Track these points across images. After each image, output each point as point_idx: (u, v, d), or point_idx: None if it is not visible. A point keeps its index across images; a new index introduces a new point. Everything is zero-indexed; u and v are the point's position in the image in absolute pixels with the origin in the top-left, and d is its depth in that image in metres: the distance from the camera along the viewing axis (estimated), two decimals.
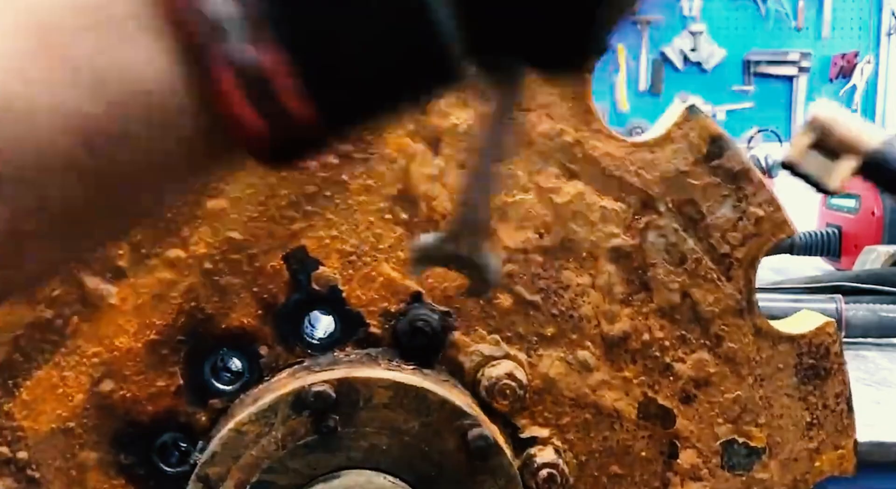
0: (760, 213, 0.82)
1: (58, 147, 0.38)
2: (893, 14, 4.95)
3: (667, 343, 0.82)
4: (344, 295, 0.81)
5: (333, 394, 0.71)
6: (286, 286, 0.80)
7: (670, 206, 0.81)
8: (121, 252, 0.79)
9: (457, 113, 0.80)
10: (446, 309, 0.80)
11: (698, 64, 4.99)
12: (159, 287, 0.80)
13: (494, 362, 0.80)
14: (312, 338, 0.81)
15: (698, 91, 4.96)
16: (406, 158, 0.80)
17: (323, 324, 0.84)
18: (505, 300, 0.81)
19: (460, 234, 0.45)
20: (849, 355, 1.49)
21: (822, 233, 2.53)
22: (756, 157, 4.87)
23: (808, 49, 5.00)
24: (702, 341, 0.82)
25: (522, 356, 0.81)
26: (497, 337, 0.81)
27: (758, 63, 4.96)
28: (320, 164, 0.79)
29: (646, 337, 0.82)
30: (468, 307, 0.81)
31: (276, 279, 0.80)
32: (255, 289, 0.80)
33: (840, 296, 1.62)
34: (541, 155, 0.81)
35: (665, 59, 4.99)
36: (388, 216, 0.80)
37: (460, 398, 0.75)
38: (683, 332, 0.82)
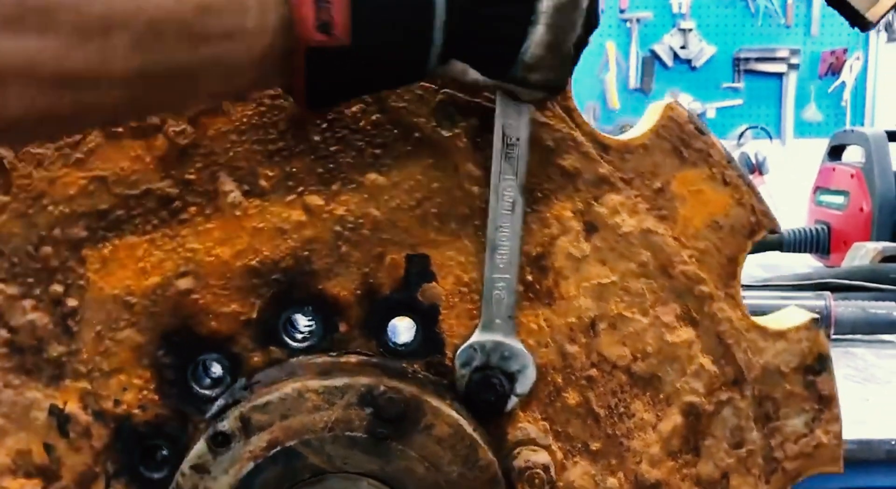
0: (824, 440, 0.87)
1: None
2: None
3: None
4: (440, 318, 0.84)
5: (402, 407, 0.74)
6: (395, 282, 0.83)
7: (756, 394, 0.87)
8: (270, 173, 0.82)
9: (625, 215, 0.85)
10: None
11: (688, 61, 5.13)
12: (286, 223, 0.82)
13: (535, 448, 0.84)
14: (390, 340, 0.84)
15: (688, 88, 5.13)
16: (560, 229, 0.85)
17: (402, 332, 0.86)
18: (572, 398, 0.85)
19: None
20: (838, 352, 1.52)
21: (811, 229, 2.59)
22: (746, 154, 5.06)
23: (797, 46, 5.17)
24: None
25: (560, 455, 0.85)
26: (547, 426, 0.85)
27: (747, 60, 5.12)
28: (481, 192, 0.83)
29: None
30: (538, 387, 0.85)
31: (391, 272, 0.83)
32: (366, 271, 0.83)
33: (829, 293, 1.68)
34: (674, 291, 0.86)
35: (655, 57, 5.13)
36: None
37: (497, 466, 0.78)
38: None
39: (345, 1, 0.63)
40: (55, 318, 0.80)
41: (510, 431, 0.85)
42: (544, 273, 0.85)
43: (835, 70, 5.24)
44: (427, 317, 0.84)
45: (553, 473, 0.83)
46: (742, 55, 5.17)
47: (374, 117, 0.82)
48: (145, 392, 0.82)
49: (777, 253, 2.57)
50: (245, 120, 0.81)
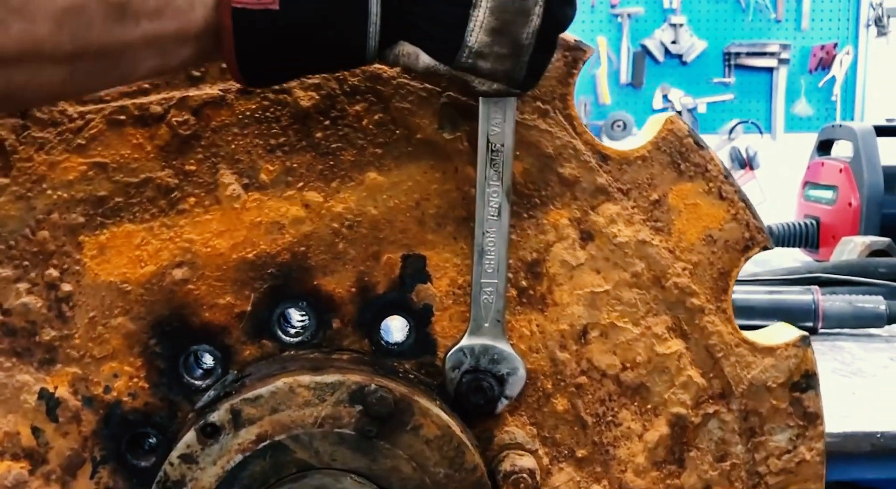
0: (808, 457, 0.90)
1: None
2: (872, 5, 5.32)
3: None
4: (433, 319, 0.86)
5: (392, 407, 0.76)
6: (390, 281, 0.86)
7: (742, 408, 0.90)
8: (270, 167, 0.84)
9: (621, 225, 0.88)
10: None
11: (679, 56, 5.29)
12: (284, 218, 0.84)
13: (522, 452, 0.87)
14: (383, 339, 0.86)
15: (679, 83, 5.32)
16: (556, 236, 0.87)
17: (395, 332, 0.89)
18: (561, 404, 0.88)
19: None
20: (825, 346, 1.60)
21: (800, 224, 2.71)
22: (737, 148, 5.22)
23: (787, 40, 5.34)
24: None
25: (546, 461, 0.88)
26: (535, 431, 0.88)
27: (738, 55, 5.30)
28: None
29: None
30: (527, 393, 0.88)
31: (386, 271, 0.86)
32: (362, 269, 0.85)
33: (817, 287, 1.76)
34: (666, 303, 0.88)
35: (646, 52, 5.30)
36: (509, 274, 0.87)
37: (484, 469, 0.81)
38: None
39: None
40: (49, 302, 0.83)
41: (497, 434, 0.87)
42: (538, 279, 0.87)
43: (825, 65, 5.40)
44: (420, 318, 0.86)
45: (538, 478, 0.86)
46: (733, 50, 5.33)
47: (376, 117, 0.84)
48: (136, 380, 0.84)
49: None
50: (248, 113, 0.83)
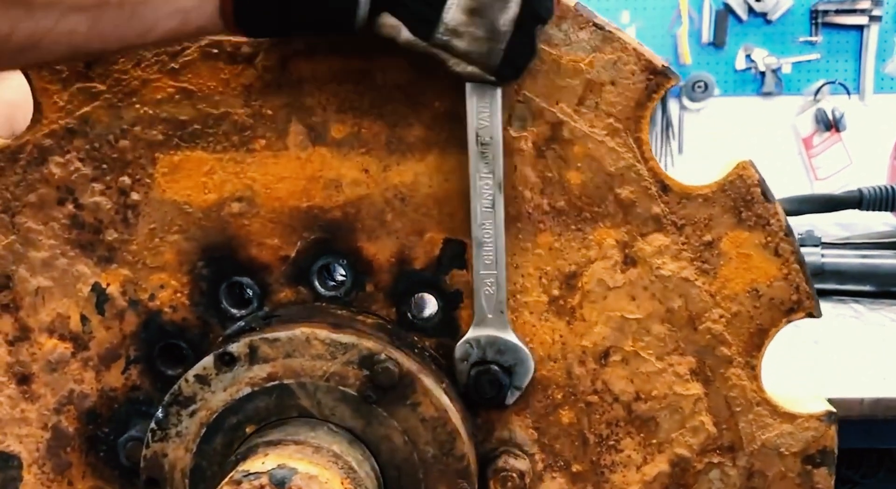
0: None
1: None
2: None
3: None
4: (461, 305, 0.96)
5: (396, 379, 0.87)
6: (428, 260, 0.96)
7: (748, 467, 0.96)
8: (341, 127, 0.95)
9: (667, 258, 0.94)
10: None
11: (763, 14, 5.28)
12: (343, 177, 0.95)
13: (518, 453, 0.97)
14: (412, 312, 0.97)
15: (763, 43, 5.34)
16: (598, 254, 0.95)
17: (428, 308, 0.99)
18: (567, 417, 0.97)
19: None
20: None
21: (891, 187, 2.79)
22: (823, 110, 5.26)
23: None
24: None
25: (540, 466, 0.97)
26: (536, 435, 0.97)
27: (826, 12, 5.27)
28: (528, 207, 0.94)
29: None
30: (536, 398, 0.97)
31: (426, 249, 0.96)
32: (404, 242, 0.96)
33: None
34: (694, 345, 0.95)
35: (729, 10, 5.29)
36: (544, 280, 0.96)
37: (474, 459, 0.92)
38: None
39: None
40: (118, 206, 0.97)
41: (499, 429, 0.97)
42: (572, 291, 0.96)
43: None
44: (449, 301, 0.96)
45: (527, 481, 0.96)
46: (820, 7, 5.25)
47: (448, 102, 0.93)
48: (179, 295, 0.98)
49: (856, 211, 2.75)
50: (330, 72, 0.94)
